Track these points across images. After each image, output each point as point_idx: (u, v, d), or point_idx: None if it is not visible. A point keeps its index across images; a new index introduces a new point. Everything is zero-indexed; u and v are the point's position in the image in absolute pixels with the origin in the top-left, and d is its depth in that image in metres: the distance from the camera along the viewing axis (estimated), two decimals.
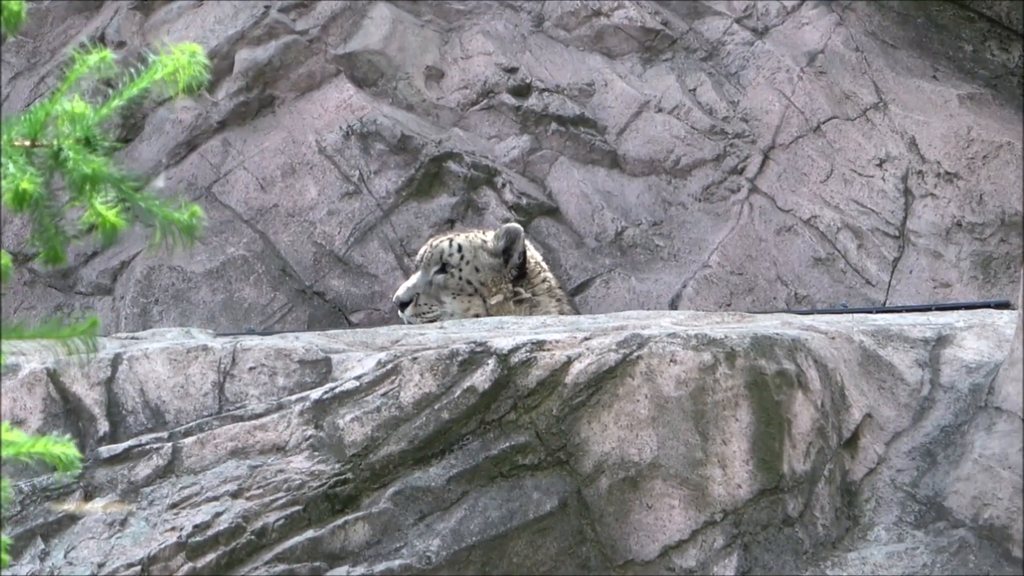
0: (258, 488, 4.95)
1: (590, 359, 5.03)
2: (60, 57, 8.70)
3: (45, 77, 8.74)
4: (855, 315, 5.89)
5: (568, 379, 5.01)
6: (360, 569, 4.86)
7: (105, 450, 5.08)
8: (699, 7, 8.69)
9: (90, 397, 5.15)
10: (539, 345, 5.05)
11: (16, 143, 3.14)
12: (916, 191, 8.28)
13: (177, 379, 5.15)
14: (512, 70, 8.60)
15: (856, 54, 8.50)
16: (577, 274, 8.34)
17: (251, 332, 6.99)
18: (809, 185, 8.33)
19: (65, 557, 4.93)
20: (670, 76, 8.54)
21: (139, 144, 8.62)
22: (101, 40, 8.53)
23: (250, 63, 8.62)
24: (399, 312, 7.11)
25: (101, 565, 4.88)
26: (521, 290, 7.08)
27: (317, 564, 4.88)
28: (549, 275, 7.27)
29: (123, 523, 4.96)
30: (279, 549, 4.90)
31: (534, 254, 7.31)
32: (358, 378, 5.08)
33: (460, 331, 5.37)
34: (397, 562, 4.86)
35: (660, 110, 8.51)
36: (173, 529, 4.92)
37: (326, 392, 5.09)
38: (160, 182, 8.19)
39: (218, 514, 4.93)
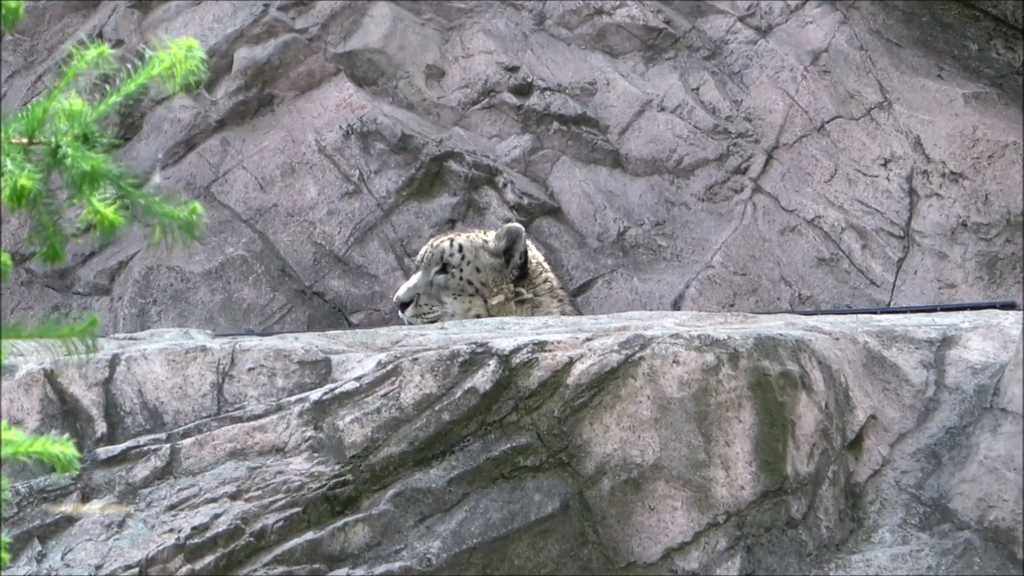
0: (257, 490, 4.95)
1: (592, 360, 5.03)
2: (57, 55, 8.70)
3: (42, 75, 8.73)
4: (859, 316, 5.91)
5: (570, 380, 5.01)
6: (360, 571, 4.86)
7: (103, 451, 5.08)
8: (702, 5, 8.68)
9: (88, 398, 5.15)
10: (541, 346, 5.06)
11: (13, 140, 3.14)
12: (921, 191, 8.27)
13: (175, 380, 5.15)
14: (513, 69, 8.59)
15: (860, 53, 8.48)
16: (579, 274, 8.33)
17: (250, 333, 7.00)
18: (813, 185, 8.32)
19: (62, 559, 4.93)
20: (673, 75, 8.53)
21: (137, 143, 8.61)
22: (99, 39, 8.51)
23: (249, 62, 8.60)
24: (399, 313, 7.10)
25: (99, 567, 4.89)
26: (522, 290, 7.07)
27: (316, 566, 4.88)
28: (551, 275, 7.27)
29: (121, 525, 4.96)
30: (278, 551, 4.90)
31: (536, 254, 7.31)
32: (358, 379, 5.09)
33: (461, 332, 5.38)
34: (397, 564, 4.86)
35: (663, 109, 8.49)
36: (171, 531, 4.92)
37: (326, 393, 5.09)
38: (157, 178, 8.18)
39: (217, 516, 4.93)
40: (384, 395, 5.02)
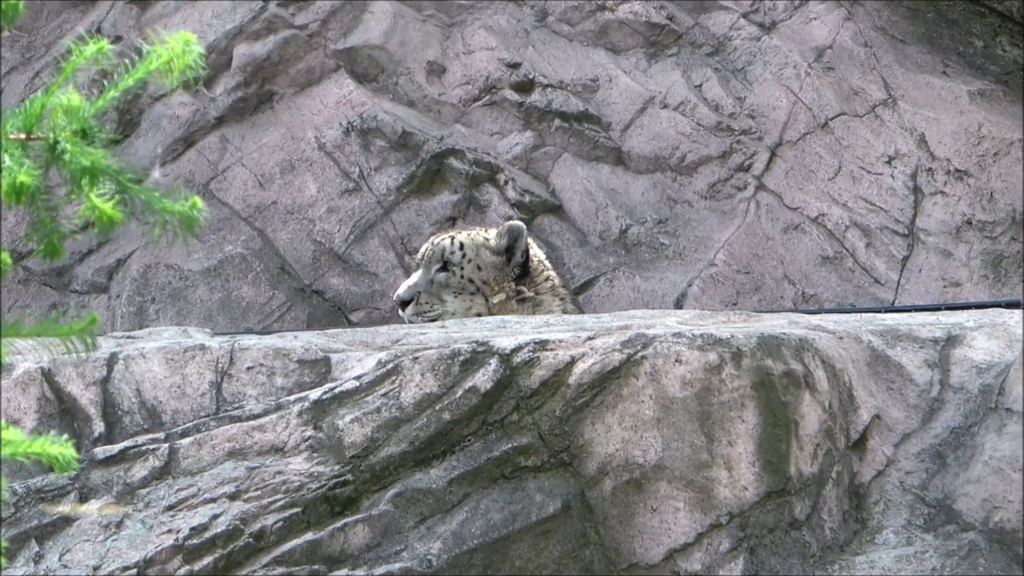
0: (256, 490, 4.95)
1: (594, 359, 5.02)
2: (55, 52, 8.69)
3: (40, 72, 8.73)
4: (863, 315, 5.93)
5: (572, 379, 5.01)
6: (360, 572, 4.87)
7: (101, 451, 5.07)
8: (705, 2, 8.66)
9: (85, 397, 5.15)
10: (542, 345, 5.06)
11: (11, 136, 3.14)
12: (926, 189, 8.26)
13: (174, 379, 5.15)
14: (515, 65, 8.58)
15: (865, 49, 8.47)
16: (581, 273, 8.32)
17: (249, 331, 7.00)
18: (817, 182, 8.31)
19: (60, 560, 4.93)
20: (675, 72, 8.52)
21: (135, 140, 8.61)
22: (97, 35, 8.49)
23: (248, 58, 8.59)
24: (400, 311, 7.09)
25: (96, 568, 4.89)
26: (524, 289, 7.07)
27: (316, 567, 4.88)
28: (552, 274, 7.26)
29: (119, 525, 4.96)
30: (277, 552, 4.90)
31: (537, 252, 7.30)
32: (358, 378, 5.09)
33: (462, 330, 5.38)
34: (397, 565, 4.86)
35: (665, 106, 8.48)
36: (170, 531, 4.92)
37: (325, 392, 5.08)
38: (156, 174, 8.17)
39: (215, 516, 4.93)
40: (384, 394, 5.02)
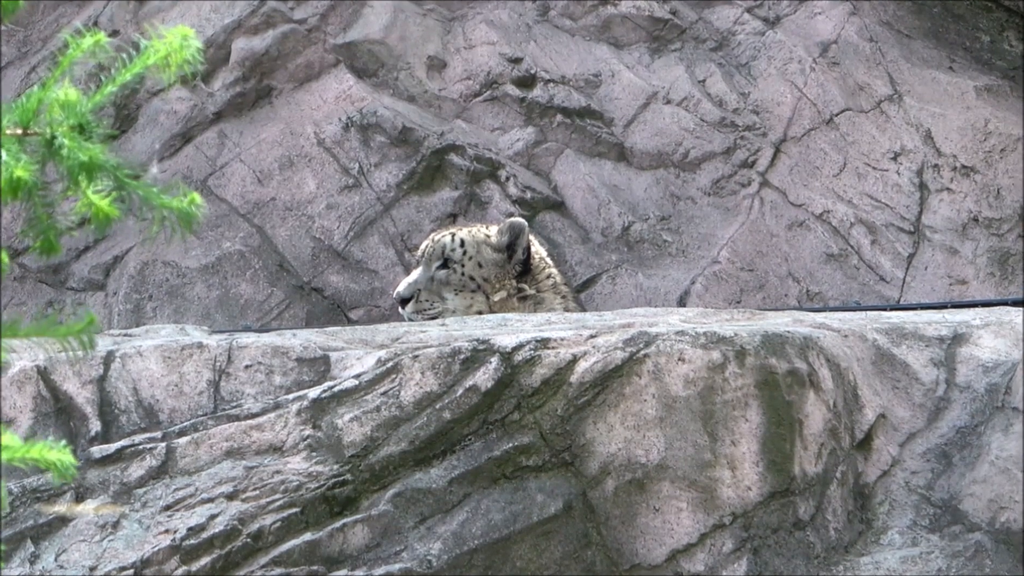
0: (254, 490, 4.95)
1: (596, 357, 5.02)
2: (51, 46, 8.69)
3: (36, 66, 8.74)
4: (869, 313, 5.99)
5: (573, 378, 5.01)
6: (359, 573, 4.89)
7: (97, 450, 5.06)
8: None
9: (82, 396, 5.15)
10: (543, 343, 5.06)
11: (8, 131, 3.14)
12: (932, 185, 8.24)
13: (171, 377, 5.15)
14: (516, 60, 8.57)
15: (870, 44, 8.45)
16: (583, 270, 8.31)
17: (247, 329, 6.99)
18: (821, 179, 8.30)
19: (56, 560, 4.94)
20: (679, 67, 8.51)
21: (133, 136, 8.61)
22: (94, 29, 8.49)
23: (247, 53, 8.58)
24: (400, 309, 7.09)
25: (93, 568, 4.90)
26: (525, 286, 7.07)
27: (315, 568, 4.89)
28: (554, 271, 7.26)
29: (115, 525, 4.96)
30: (276, 552, 4.90)
31: (539, 249, 7.30)
32: (357, 377, 5.09)
33: (462, 328, 5.38)
34: (397, 566, 4.86)
35: (668, 102, 8.47)
36: (167, 532, 4.93)
37: (324, 391, 5.08)
38: (154, 170, 8.16)
39: (213, 516, 4.93)
40: (384, 393, 5.01)
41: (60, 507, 4.98)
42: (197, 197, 3.16)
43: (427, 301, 6.97)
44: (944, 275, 8.17)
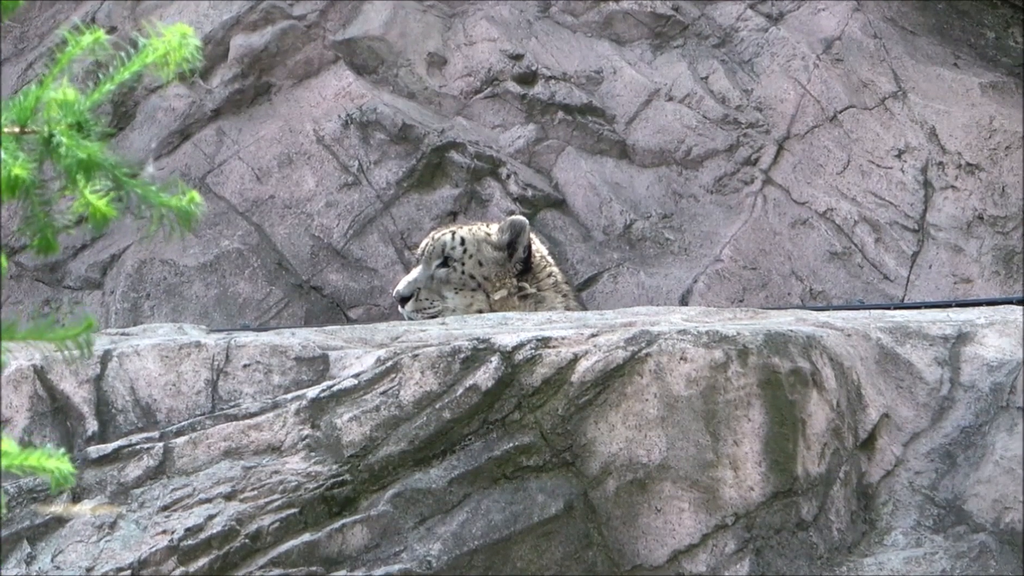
0: (252, 490, 4.95)
1: (597, 357, 5.02)
2: (48, 42, 8.69)
3: (33, 63, 8.75)
4: (872, 311, 6.03)
5: (574, 377, 5.01)
6: (358, 574, 4.91)
7: (94, 450, 5.05)
8: None
9: (78, 395, 5.16)
10: (544, 342, 5.07)
11: (6, 130, 3.14)
12: (936, 183, 8.24)
13: (169, 377, 5.15)
14: (517, 57, 8.56)
15: (874, 41, 8.44)
16: (584, 268, 8.31)
17: (246, 328, 6.97)
18: (825, 177, 8.30)
19: (52, 561, 4.94)
20: (681, 63, 8.50)
21: (130, 133, 8.62)
22: (91, 25, 8.49)
23: (246, 49, 8.58)
24: (399, 307, 7.09)
25: (90, 569, 4.90)
26: (526, 285, 7.07)
27: (314, 569, 4.89)
28: (555, 269, 7.26)
29: (112, 526, 4.97)
30: (274, 553, 4.90)
31: (540, 248, 7.30)
32: (356, 376, 5.08)
33: (462, 327, 5.39)
34: (397, 567, 4.86)
35: (671, 99, 8.47)
36: (164, 532, 4.93)
37: (323, 390, 5.07)
38: (150, 168, 8.15)
39: (211, 517, 4.92)
40: (383, 393, 5.01)
41: (57, 508, 4.99)
42: (196, 196, 3.16)
43: (427, 300, 6.97)
44: (948, 273, 8.16)
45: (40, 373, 5.12)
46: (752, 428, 4.98)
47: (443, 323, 5.52)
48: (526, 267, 7.04)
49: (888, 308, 6.36)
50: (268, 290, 8.35)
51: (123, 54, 3.16)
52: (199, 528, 4.87)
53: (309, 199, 8.46)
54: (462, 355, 4.99)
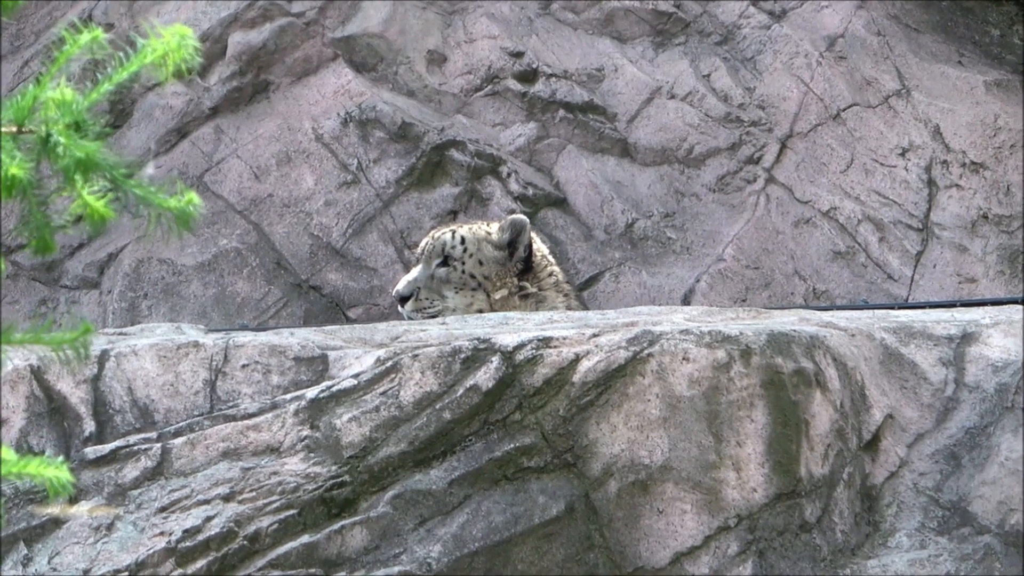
0: (251, 491, 4.96)
1: (599, 357, 5.01)
2: (45, 40, 8.69)
3: (29, 61, 8.76)
4: (876, 311, 6.06)
5: (576, 378, 5.01)
6: (358, 575, 4.86)
7: (91, 451, 5.05)
8: None
9: (75, 395, 5.16)
10: (545, 342, 5.07)
11: (3, 129, 3.15)
12: (940, 182, 8.23)
13: (167, 377, 5.15)
14: (518, 54, 8.56)
15: (878, 38, 8.44)
16: (585, 268, 8.31)
17: (244, 328, 6.96)
18: (828, 175, 8.29)
19: (49, 563, 4.94)
20: (683, 61, 8.50)
21: (127, 131, 8.62)
22: (88, 22, 8.52)
23: (244, 47, 8.58)
24: (399, 307, 7.10)
25: (87, 571, 4.90)
26: (527, 284, 7.08)
27: (313, 570, 4.89)
28: (556, 269, 7.27)
29: (110, 527, 4.97)
30: (273, 555, 4.89)
31: (540, 247, 7.31)
32: (356, 376, 5.09)
33: (463, 327, 5.40)
34: (396, 569, 4.86)
35: (673, 96, 8.46)
36: (162, 534, 4.92)
37: (322, 391, 5.07)
38: (150, 169, 8.15)
39: (209, 518, 4.92)
40: (383, 393, 5.01)
41: (53, 509, 4.98)
42: (195, 197, 3.16)
43: (427, 299, 6.96)
44: (953, 273, 8.16)
45: (37, 373, 5.12)
46: (755, 429, 4.98)
47: (443, 323, 5.52)
48: (527, 266, 7.04)
49: (892, 308, 6.37)
50: (267, 289, 8.36)
51: (121, 53, 3.16)
52: (197, 530, 4.87)
53: (308, 198, 8.46)
54: (462, 355, 4.99)
